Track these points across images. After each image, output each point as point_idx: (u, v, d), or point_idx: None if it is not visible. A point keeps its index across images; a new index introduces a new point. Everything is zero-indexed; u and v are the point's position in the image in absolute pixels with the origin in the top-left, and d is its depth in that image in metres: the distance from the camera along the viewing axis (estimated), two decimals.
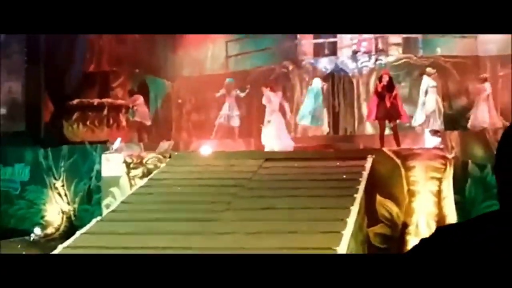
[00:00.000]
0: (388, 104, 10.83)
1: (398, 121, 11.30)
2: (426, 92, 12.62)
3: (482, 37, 15.02)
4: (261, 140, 12.02)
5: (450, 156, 9.70)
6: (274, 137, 11.66)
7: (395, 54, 15.41)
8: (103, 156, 11.40)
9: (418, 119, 12.81)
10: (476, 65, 14.57)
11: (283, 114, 12.44)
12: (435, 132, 10.27)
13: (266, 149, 11.72)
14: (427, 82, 12.71)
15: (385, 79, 11.02)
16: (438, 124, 12.57)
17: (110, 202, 10.15)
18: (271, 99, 11.91)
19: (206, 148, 11.53)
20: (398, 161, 9.40)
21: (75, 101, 13.34)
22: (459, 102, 13.99)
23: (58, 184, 12.58)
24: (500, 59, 14.29)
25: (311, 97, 13.48)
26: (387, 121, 11.25)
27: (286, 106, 12.89)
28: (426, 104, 12.64)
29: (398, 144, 10.74)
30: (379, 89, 11.03)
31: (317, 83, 13.69)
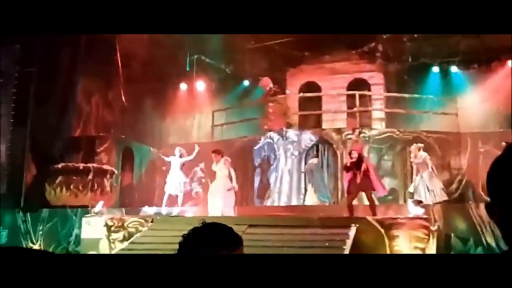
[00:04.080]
0: (358, 180, 10.65)
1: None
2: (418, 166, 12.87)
3: (463, 114, 15.47)
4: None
5: (433, 228, 9.68)
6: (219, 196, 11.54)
7: (378, 128, 15.67)
8: (84, 219, 11.24)
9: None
10: (458, 141, 14.88)
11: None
12: (418, 202, 10.23)
13: (209, 206, 11.61)
14: (419, 156, 12.92)
15: (354, 155, 10.88)
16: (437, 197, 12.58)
17: None
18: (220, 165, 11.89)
19: (188, 213, 11.42)
20: (382, 230, 9.36)
21: (59, 165, 13.25)
22: (441, 176, 14.10)
23: (35, 248, 12.29)
24: (480, 135, 14.62)
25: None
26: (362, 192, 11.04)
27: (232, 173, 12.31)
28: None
29: (374, 213, 10.44)
30: (348, 165, 10.91)
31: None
